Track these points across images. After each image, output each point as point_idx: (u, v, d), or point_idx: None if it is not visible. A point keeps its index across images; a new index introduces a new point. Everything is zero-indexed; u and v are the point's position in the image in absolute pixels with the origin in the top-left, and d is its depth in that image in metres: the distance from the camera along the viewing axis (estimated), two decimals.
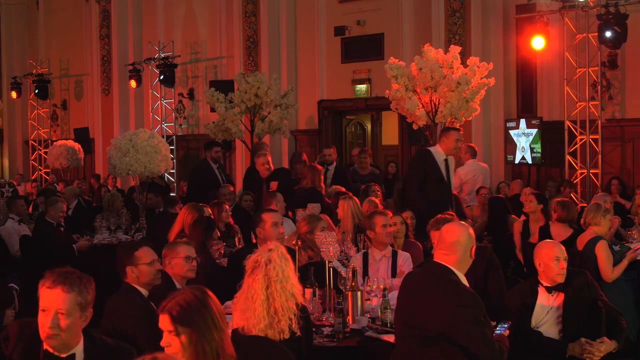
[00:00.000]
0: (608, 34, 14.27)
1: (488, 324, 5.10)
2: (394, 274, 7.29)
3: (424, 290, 5.15)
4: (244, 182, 14.35)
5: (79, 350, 4.31)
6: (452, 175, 10.52)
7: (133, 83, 21.30)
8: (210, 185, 12.93)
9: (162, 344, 3.82)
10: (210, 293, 3.96)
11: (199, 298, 3.85)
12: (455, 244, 5.21)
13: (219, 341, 3.84)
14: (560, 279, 6.10)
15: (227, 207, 10.41)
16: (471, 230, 5.32)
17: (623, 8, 14.26)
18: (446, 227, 5.45)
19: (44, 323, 4.17)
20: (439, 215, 7.28)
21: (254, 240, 7.58)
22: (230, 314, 5.20)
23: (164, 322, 3.82)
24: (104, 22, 23.36)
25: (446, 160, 10.33)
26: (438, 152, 10.35)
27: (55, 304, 4.16)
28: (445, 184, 10.28)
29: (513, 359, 5.96)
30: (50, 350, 4.25)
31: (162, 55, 20.45)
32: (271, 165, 12.66)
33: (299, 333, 4.93)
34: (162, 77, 20.19)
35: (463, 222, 5.64)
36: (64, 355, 4.26)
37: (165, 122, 21.45)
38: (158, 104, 21.44)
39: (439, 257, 5.24)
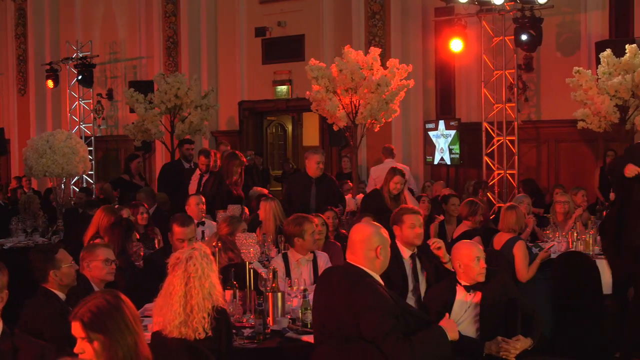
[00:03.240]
0: (524, 37, 14.53)
1: (402, 324, 5.12)
2: (315, 277, 7.29)
3: (336, 291, 5.19)
4: (160, 182, 14.22)
5: None
6: None
7: (50, 83, 20.93)
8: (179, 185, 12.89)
9: (75, 350, 3.78)
10: (124, 297, 3.93)
11: (111, 303, 3.82)
12: (358, 243, 5.27)
13: (133, 345, 3.81)
14: (482, 279, 6.16)
15: (145, 208, 10.32)
16: (382, 231, 5.37)
17: (538, 12, 14.54)
18: (355, 226, 5.52)
19: None
20: None
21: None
22: (150, 316, 5.17)
23: (76, 329, 3.78)
24: (19, 20, 22.94)
25: None
26: None
27: None
28: None
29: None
30: None
31: (80, 55, 20.14)
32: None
33: (210, 333, 4.92)
34: (80, 77, 19.90)
35: (374, 222, 5.70)
36: None
37: (84, 123, 21.15)
38: (76, 105, 21.13)
39: (348, 257, 5.30)
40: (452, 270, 6.49)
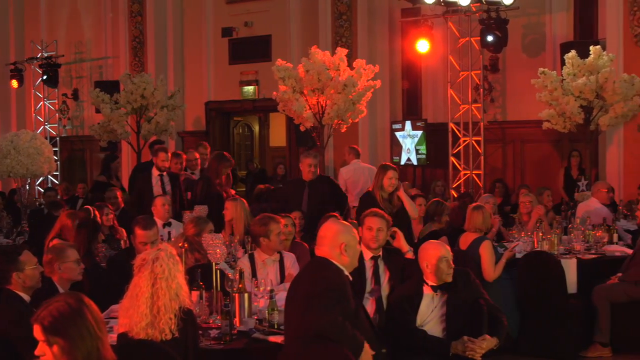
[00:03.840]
0: (490, 38, 14.60)
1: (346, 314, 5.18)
2: (282, 277, 7.29)
3: (301, 280, 5.26)
4: (130, 183, 14.13)
5: None
6: None
7: (14, 83, 20.76)
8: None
9: (36, 352, 3.78)
10: (87, 300, 3.90)
11: (73, 307, 3.80)
12: (324, 239, 5.40)
13: (95, 350, 3.80)
14: (449, 279, 6.20)
15: (110, 209, 10.26)
16: (350, 230, 5.45)
17: (504, 13, 14.62)
18: (324, 224, 5.63)
19: None
20: None
21: None
22: (116, 317, 5.14)
23: (37, 331, 3.78)
24: None
25: None
26: None
27: None
28: None
29: (398, 358, 6.05)
30: None
31: (45, 55, 20.01)
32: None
33: (177, 334, 4.91)
34: (45, 77, 19.78)
35: (343, 221, 5.76)
36: None
37: (49, 123, 21.01)
38: (41, 105, 21.00)
39: (316, 251, 5.48)
40: (413, 257, 6.59)
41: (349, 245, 5.36)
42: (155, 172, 11.73)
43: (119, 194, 11.84)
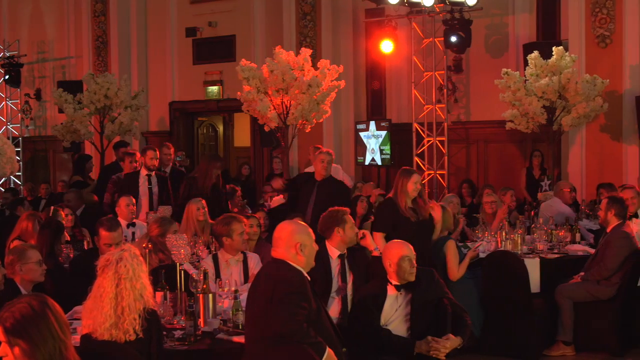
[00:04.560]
0: (453, 38, 14.67)
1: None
2: (246, 278, 7.28)
3: (261, 284, 5.25)
4: (99, 184, 13.99)
5: None
6: None
7: None
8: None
9: None
10: (51, 302, 3.88)
11: (36, 309, 3.78)
12: (279, 240, 5.40)
13: (57, 352, 3.77)
14: (412, 278, 6.23)
15: (69, 210, 10.15)
16: (306, 229, 5.45)
17: (467, 14, 14.70)
18: (279, 225, 5.62)
19: None
20: None
21: None
22: (80, 319, 5.11)
23: None
24: None
25: None
26: None
27: None
28: None
29: (363, 358, 6.07)
30: None
31: (7, 55, 19.82)
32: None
33: (141, 335, 4.89)
34: (7, 76, 19.60)
35: (299, 222, 5.75)
36: None
37: (11, 124, 20.84)
38: (3, 105, 20.80)
39: (272, 252, 5.45)
40: (379, 255, 6.63)
41: (305, 245, 5.35)
42: (143, 172, 11.51)
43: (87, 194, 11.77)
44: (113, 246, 7.07)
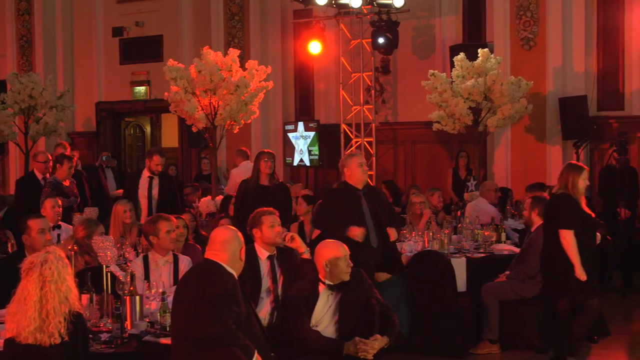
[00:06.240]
0: (381, 40, 14.78)
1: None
2: (176, 279, 7.23)
3: (192, 285, 5.24)
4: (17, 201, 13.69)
5: None
6: None
7: None
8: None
9: None
10: None
11: None
12: (221, 244, 5.39)
13: None
14: (347, 277, 6.27)
15: None
16: (239, 235, 5.45)
17: (395, 16, 14.83)
18: (217, 229, 5.65)
19: None
20: None
21: None
22: (3, 322, 5.04)
23: None
24: None
25: None
26: None
27: None
28: None
29: (292, 358, 6.07)
30: None
31: None
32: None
33: (67, 338, 4.84)
34: None
35: (232, 227, 5.76)
36: None
37: None
38: None
39: (208, 254, 5.37)
40: (310, 258, 6.64)
41: (242, 250, 5.39)
42: (145, 174, 11.28)
43: None
44: (48, 234, 7.12)
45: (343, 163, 8.38)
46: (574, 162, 8.30)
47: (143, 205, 11.01)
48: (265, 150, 10.64)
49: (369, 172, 15.51)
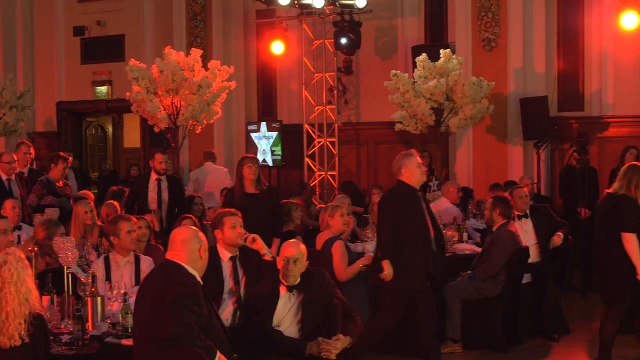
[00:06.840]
0: (343, 40, 14.80)
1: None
2: (137, 280, 7.19)
3: (154, 286, 5.21)
4: None
5: None
6: None
7: None
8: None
9: None
10: None
11: None
12: (181, 244, 5.34)
13: None
14: (294, 281, 6.28)
15: None
16: (200, 234, 5.43)
17: (357, 17, 14.86)
18: (177, 229, 5.64)
19: None
20: None
21: None
22: None
23: None
24: None
25: None
26: None
27: None
28: None
29: (255, 359, 6.07)
30: None
31: None
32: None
33: (27, 340, 4.80)
34: None
35: (192, 227, 5.74)
36: None
37: None
38: None
39: (169, 255, 5.34)
40: (271, 259, 6.66)
41: (206, 249, 5.38)
42: (153, 176, 11.00)
43: None
44: (10, 234, 7.21)
45: (400, 163, 7.84)
46: (638, 163, 7.95)
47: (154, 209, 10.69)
48: (249, 156, 10.37)
49: (331, 173, 15.61)
